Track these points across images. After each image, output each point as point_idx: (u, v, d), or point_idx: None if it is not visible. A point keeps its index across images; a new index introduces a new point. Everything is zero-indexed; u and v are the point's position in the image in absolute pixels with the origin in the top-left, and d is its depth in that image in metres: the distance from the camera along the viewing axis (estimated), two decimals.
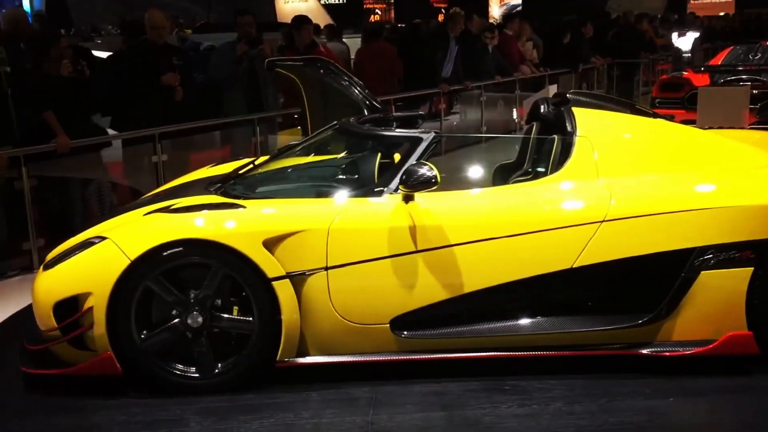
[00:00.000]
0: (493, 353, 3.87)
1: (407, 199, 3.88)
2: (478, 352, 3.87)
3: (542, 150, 4.66)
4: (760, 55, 10.37)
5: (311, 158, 4.93)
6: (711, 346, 3.79)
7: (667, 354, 3.81)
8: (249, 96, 7.81)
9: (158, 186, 6.46)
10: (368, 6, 36.12)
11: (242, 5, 8.42)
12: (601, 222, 3.82)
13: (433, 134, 4.14)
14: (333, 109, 5.34)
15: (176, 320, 3.79)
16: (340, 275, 3.80)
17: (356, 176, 4.61)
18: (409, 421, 3.51)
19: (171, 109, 6.89)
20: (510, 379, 3.85)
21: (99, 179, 6.80)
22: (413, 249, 3.82)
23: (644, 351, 3.83)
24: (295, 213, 3.92)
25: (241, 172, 4.67)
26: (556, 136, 4.27)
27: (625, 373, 3.85)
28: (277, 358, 3.82)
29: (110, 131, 7.07)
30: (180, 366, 3.83)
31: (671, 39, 18.42)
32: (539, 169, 4.53)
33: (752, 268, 3.77)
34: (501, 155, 5.67)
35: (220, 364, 3.83)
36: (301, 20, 8.49)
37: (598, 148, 4.08)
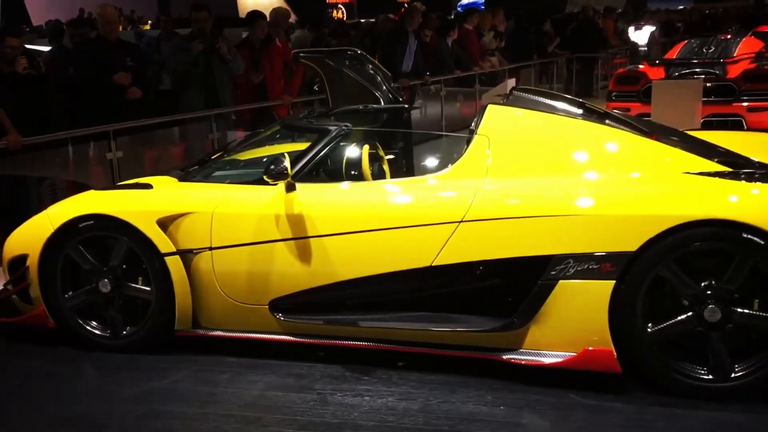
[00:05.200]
0: (353, 342, 3.95)
1: (289, 188, 4.03)
2: (348, 340, 3.97)
3: None
4: (713, 48, 10.49)
5: (271, 148, 5.09)
6: (569, 359, 3.60)
7: (524, 363, 3.66)
8: (206, 93, 7.71)
9: (113, 182, 6.46)
10: (331, 1, 36.01)
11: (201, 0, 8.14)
12: (459, 222, 3.75)
13: (341, 128, 4.30)
14: (352, 98, 5.53)
15: (93, 284, 4.26)
16: (222, 256, 4.11)
17: None
18: (243, 396, 3.71)
19: (124, 106, 6.83)
20: (376, 369, 3.89)
21: (54, 177, 6.75)
22: (285, 236, 4.01)
23: (504, 357, 3.70)
24: (186, 196, 4.29)
25: (213, 158, 4.91)
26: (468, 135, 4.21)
27: (487, 378, 3.74)
28: (175, 327, 4.18)
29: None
30: (97, 325, 4.32)
31: (628, 33, 18.66)
32: None
33: (614, 281, 3.51)
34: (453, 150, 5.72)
35: (128, 328, 4.25)
36: (255, 15, 8.43)
37: (494, 148, 3.91)
